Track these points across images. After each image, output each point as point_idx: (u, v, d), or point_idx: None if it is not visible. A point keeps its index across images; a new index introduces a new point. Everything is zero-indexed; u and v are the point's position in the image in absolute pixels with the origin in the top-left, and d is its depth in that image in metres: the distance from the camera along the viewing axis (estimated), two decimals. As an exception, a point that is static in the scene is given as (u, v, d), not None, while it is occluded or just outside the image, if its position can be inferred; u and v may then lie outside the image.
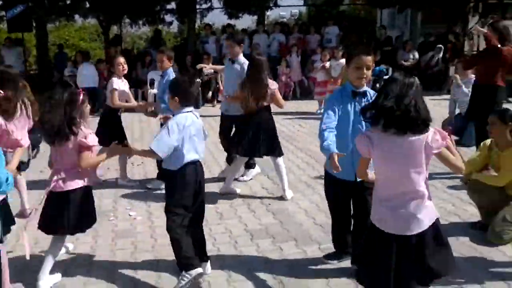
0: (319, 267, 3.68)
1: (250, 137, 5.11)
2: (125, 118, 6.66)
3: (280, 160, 5.20)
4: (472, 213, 4.52)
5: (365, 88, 3.29)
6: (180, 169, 3.38)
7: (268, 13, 19.87)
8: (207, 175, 5.96)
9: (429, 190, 2.60)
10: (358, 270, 2.85)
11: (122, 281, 3.55)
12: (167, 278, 3.56)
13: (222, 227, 4.49)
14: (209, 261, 3.62)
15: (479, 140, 5.22)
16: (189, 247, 3.34)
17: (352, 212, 3.54)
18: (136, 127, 9.53)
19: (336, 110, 3.21)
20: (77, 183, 3.42)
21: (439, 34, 14.47)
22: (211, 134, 8.51)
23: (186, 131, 3.37)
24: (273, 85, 5.13)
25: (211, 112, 11.14)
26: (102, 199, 5.23)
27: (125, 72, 5.75)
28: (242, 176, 5.88)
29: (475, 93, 5.91)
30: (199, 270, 3.33)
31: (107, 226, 4.56)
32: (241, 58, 5.62)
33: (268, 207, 4.98)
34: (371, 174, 2.83)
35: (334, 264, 3.68)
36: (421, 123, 2.44)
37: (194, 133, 3.43)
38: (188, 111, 3.44)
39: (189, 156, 3.39)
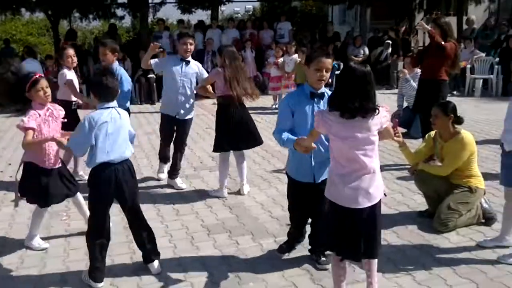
0: (275, 260, 3.75)
1: (237, 130, 5.01)
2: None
3: (243, 154, 5.24)
4: (420, 202, 4.72)
5: (323, 89, 3.36)
6: (96, 168, 3.34)
7: (223, 8, 19.87)
8: (149, 171, 5.97)
9: (379, 166, 2.84)
10: (328, 241, 3.00)
11: (76, 281, 3.49)
12: (122, 278, 3.53)
13: (178, 223, 4.49)
14: (157, 260, 3.59)
15: (424, 132, 5.49)
16: (97, 258, 3.38)
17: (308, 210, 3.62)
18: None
19: (291, 113, 3.31)
20: (26, 157, 3.86)
21: (386, 30, 14.92)
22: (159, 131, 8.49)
23: (100, 129, 3.29)
24: None
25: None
26: (54, 198, 5.12)
27: (75, 64, 5.62)
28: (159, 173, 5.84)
29: (420, 87, 6.18)
30: (98, 285, 3.39)
31: (60, 226, 4.48)
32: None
33: (224, 202, 5.02)
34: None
35: (289, 256, 3.76)
36: (371, 109, 2.69)
37: (111, 131, 3.33)
38: (107, 107, 3.36)
39: (105, 155, 3.31)
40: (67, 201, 5.06)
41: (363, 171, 2.75)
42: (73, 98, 5.61)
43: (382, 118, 2.76)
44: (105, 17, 15.73)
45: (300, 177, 3.46)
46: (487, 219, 4.26)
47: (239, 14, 30.07)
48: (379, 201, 2.85)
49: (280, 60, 10.65)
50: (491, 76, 11.90)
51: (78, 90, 5.72)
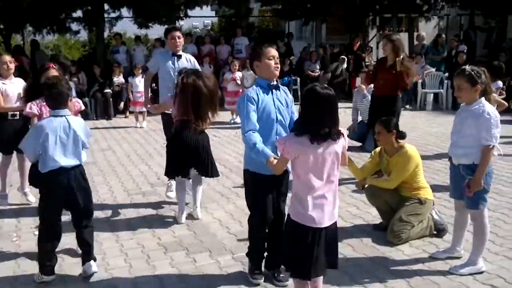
0: (231, 276, 3.73)
1: (188, 156, 4.70)
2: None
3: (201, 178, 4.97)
4: (375, 215, 4.81)
5: (275, 82, 3.43)
6: (47, 174, 3.45)
7: (182, 23, 19.83)
8: (118, 187, 5.87)
9: None
10: (285, 261, 3.03)
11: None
12: None
13: (134, 242, 4.40)
14: (92, 260, 3.67)
15: (377, 146, 5.59)
16: (46, 254, 3.56)
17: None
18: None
19: (256, 109, 3.28)
20: None
21: (342, 45, 15.34)
22: (124, 147, 8.40)
23: (48, 136, 3.42)
24: None
25: (123, 123, 10.90)
26: (3, 218, 4.94)
27: (11, 71, 5.24)
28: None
29: (374, 103, 6.30)
30: (50, 277, 3.59)
31: (10, 247, 4.31)
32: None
33: (182, 219, 4.96)
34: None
35: (245, 271, 3.74)
36: (336, 133, 2.78)
37: (61, 139, 3.47)
38: (58, 115, 3.51)
39: (55, 162, 3.43)
40: (17, 221, 4.92)
41: (330, 192, 2.83)
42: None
43: (344, 141, 2.87)
44: (59, 31, 15.38)
45: (261, 169, 3.31)
46: (439, 231, 4.39)
47: (198, 29, 30.08)
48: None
49: (239, 74, 10.70)
50: (441, 90, 12.34)
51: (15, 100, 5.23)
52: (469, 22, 17.43)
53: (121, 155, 7.80)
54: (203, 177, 4.95)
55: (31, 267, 3.89)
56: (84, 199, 3.60)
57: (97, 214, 4.57)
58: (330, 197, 2.84)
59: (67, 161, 3.48)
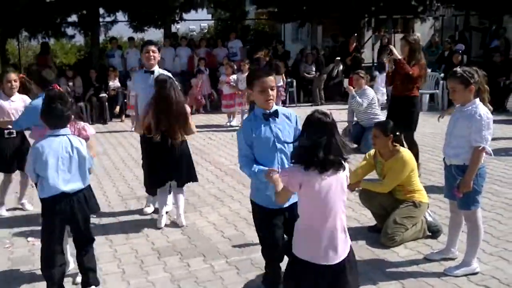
0: (226, 281, 3.71)
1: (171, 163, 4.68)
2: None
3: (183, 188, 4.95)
4: (370, 217, 4.78)
5: (275, 107, 3.24)
6: (48, 199, 3.22)
7: (178, 26, 19.81)
8: (113, 192, 5.86)
9: None
10: None
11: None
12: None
13: (128, 247, 4.38)
14: (93, 286, 3.47)
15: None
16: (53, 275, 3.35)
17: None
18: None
19: (250, 143, 3.15)
20: None
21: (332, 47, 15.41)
22: (119, 151, 8.37)
23: (48, 158, 3.16)
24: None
25: (119, 127, 10.87)
26: (-4, 225, 4.92)
27: (15, 90, 5.08)
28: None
29: (393, 103, 6.43)
30: None
31: (3, 254, 4.28)
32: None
33: (176, 223, 4.93)
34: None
35: (241, 278, 3.72)
36: (338, 162, 2.57)
37: (62, 161, 3.20)
38: (57, 135, 3.23)
39: (56, 187, 3.18)
40: (10, 227, 4.89)
41: (337, 225, 2.63)
42: (8, 126, 5.05)
43: (347, 172, 2.67)
44: (54, 36, 15.37)
45: (266, 202, 3.19)
46: (433, 232, 4.38)
47: (194, 32, 30.08)
48: (350, 251, 2.72)
49: (233, 77, 10.69)
50: (437, 91, 12.34)
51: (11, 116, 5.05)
52: (464, 23, 17.45)
53: (116, 160, 7.78)
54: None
55: (24, 273, 3.88)
56: (85, 222, 3.39)
57: (91, 219, 4.54)
58: (337, 232, 2.62)
59: (69, 185, 3.22)
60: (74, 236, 3.48)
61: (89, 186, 3.45)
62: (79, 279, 3.63)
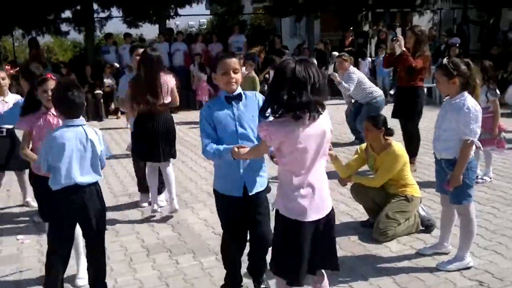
0: (215, 277, 3.65)
1: (153, 139, 4.73)
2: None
3: (170, 168, 4.93)
4: (363, 212, 4.71)
5: (239, 90, 3.08)
6: (59, 191, 3.06)
7: (178, 22, 19.72)
8: (105, 188, 5.75)
9: None
10: (272, 260, 2.74)
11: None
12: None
13: (117, 245, 4.32)
14: None
15: (404, 136, 6.34)
16: (54, 279, 3.17)
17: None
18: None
19: (213, 125, 3.05)
20: None
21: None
22: (114, 148, 8.29)
23: (62, 149, 3.00)
24: (171, 81, 4.86)
25: (114, 124, 10.80)
26: (-15, 223, 4.85)
27: (5, 88, 5.00)
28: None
29: (398, 94, 6.49)
30: None
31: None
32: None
33: (167, 219, 4.87)
34: None
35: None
36: (317, 105, 2.41)
37: (76, 152, 3.04)
38: (72, 125, 3.07)
39: (69, 179, 3.03)
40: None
41: (321, 179, 2.58)
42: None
43: (329, 121, 2.55)
44: (49, 32, 15.27)
45: (228, 191, 3.09)
46: (427, 227, 4.32)
47: (194, 28, 29.96)
48: (332, 208, 2.70)
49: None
50: (434, 84, 12.27)
51: None
52: (462, 16, 17.34)
53: (109, 156, 7.69)
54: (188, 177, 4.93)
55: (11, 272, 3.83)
56: (98, 222, 3.18)
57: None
58: (321, 184, 2.57)
59: (83, 177, 3.07)
60: (86, 242, 3.26)
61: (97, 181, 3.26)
62: (79, 282, 3.57)
